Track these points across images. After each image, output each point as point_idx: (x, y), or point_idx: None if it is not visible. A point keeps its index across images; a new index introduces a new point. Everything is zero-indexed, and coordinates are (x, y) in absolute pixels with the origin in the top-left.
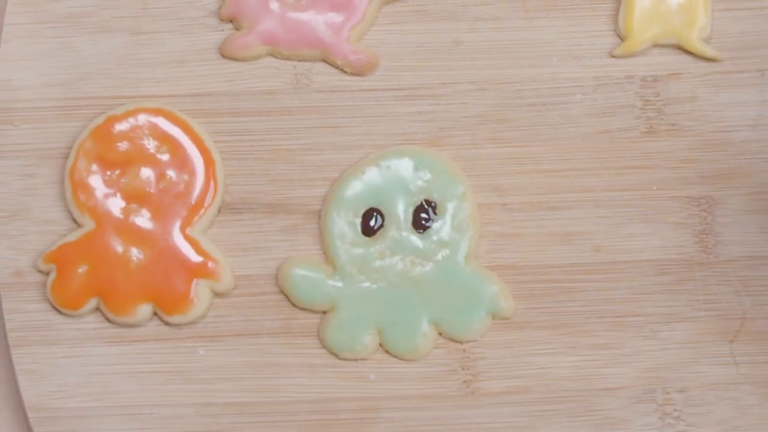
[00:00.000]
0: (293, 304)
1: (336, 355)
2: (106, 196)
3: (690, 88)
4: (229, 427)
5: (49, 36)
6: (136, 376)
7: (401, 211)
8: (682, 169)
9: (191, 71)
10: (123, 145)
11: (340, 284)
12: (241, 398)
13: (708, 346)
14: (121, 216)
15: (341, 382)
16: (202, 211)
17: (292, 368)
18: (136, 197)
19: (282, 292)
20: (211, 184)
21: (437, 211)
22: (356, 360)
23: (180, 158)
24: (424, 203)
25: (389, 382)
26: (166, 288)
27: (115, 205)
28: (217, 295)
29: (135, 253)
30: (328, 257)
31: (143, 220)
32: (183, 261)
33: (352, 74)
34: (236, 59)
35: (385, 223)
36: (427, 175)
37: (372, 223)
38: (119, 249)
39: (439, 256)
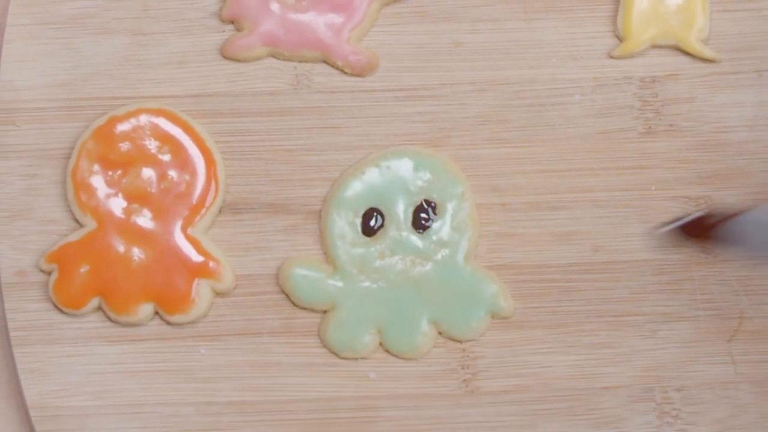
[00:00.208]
0: (294, 304)
1: (336, 355)
2: (108, 196)
3: (688, 88)
4: (230, 426)
5: (51, 37)
6: (138, 375)
7: (401, 211)
8: (681, 169)
9: (192, 72)
10: (125, 146)
11: (340, 284)
12: (242, 397)
13: (706, 346)
14: (123, 216)
15: (341, 381)
16: (204, 211)
17: (293, 367)
18: (137, 197)
19: (283, 292)
20: (212, 184)
21: (437, 211)
22: (356, 359)
23: (181, 158)
24: (423, 203)
25: (389, 381)
26: (167, 287)
27: (117, 205)
28: (218, 294)
29: (136, 253)
30: (329, 257)
31: (145, 220)
32: (184, 261)
33: (352, 75)
34: (237, 60)
35: (385, 223)
36: (427, 176)
37: (372, 223)
38: (121, 249)
39: (439, 256)
